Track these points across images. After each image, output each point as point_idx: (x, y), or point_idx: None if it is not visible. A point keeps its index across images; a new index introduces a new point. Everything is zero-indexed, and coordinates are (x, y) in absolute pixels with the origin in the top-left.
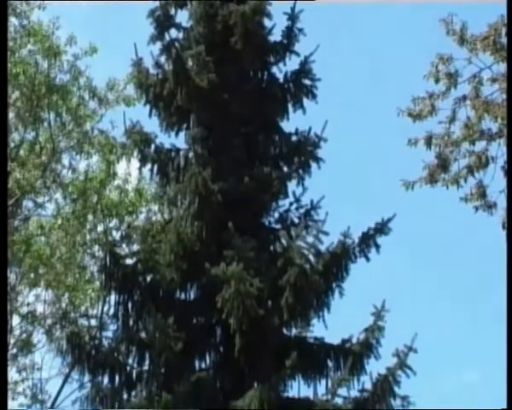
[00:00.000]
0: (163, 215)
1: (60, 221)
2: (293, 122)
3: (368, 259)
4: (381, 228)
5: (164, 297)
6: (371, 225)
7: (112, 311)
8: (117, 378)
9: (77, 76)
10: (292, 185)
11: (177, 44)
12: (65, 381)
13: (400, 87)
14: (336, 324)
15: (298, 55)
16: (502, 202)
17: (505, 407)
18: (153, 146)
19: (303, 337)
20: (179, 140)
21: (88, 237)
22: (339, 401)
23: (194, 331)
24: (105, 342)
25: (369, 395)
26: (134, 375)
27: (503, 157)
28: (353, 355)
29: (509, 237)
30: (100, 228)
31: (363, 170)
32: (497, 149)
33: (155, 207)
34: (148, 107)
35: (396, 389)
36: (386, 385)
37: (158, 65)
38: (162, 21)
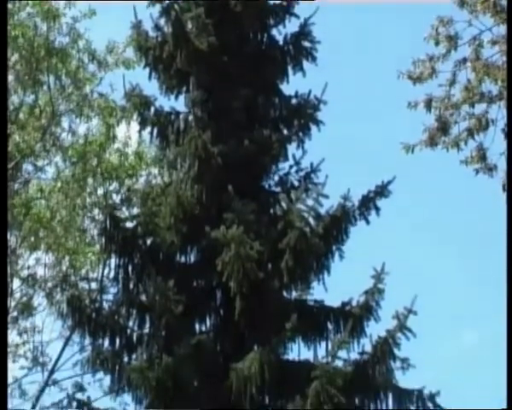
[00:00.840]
0: (163, 178)
1: (59, 184)
2: (293, 85)
3: (368, 222)
4: (381, 191)
5: (164, 260)
6: (371, 187)
7: (112, 274)
8: (117, 341)
9: (76, 39)
10: (292, 148)
11: (176, 7)
12: (65, 344)
13: (400, 50)
14: (336, 286)
15: (297, 17)
16: (502, 165)
17: (505, 407)
18: (152, 109)
19: (303, 300)
20: (179, 103)
21: (88, 200)
22: (339, 363)
23: (194, 294)
24: (105, 305)
25: (369, 357)
26: (134, 338)
27: (504, 120)
28: (353, 318)
29: (508, 218)
30: (100, 191)
31: (363, 133)
32: (498, 112)
33: (155, 171)
34: (147, 70)
35: (396, 351)
36: (385, 347)
37: (157, 27)
38: None
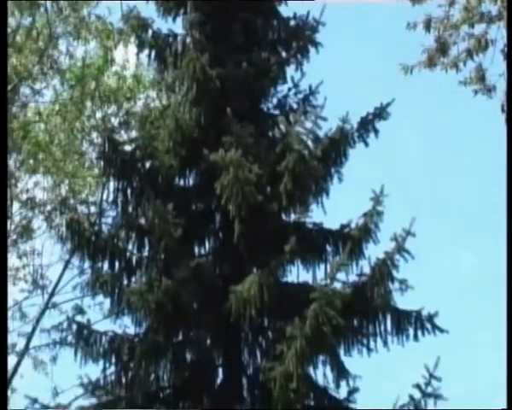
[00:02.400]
0: (161, 101)
1: (58, 108)
2: (292, 7)
3: (366, 144)
4: (380, 113)
5: (163, 184)
6: (370, 110)
7: (111, 198)
8: (117, 264)
9: None
10: (290, 70)
11: None
12: (65, 267)
13: None
14: (335, 209)
15: None
16: (501, 86)
17: (505, 407)
18: (150, 31)
19: (302, 223)
20: (177, 25)
21: (86, 123)
22: (337, 285)
23: (193, 217)
24: (104, 229)
25: (368, 278)
26: (134, 261)
27: (503, 40)
28: (352, 240)
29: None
30: (98, 115)
31: (361, 54)
32: (497, 32)
33: (153, 94)
34: None
35: (394, 272)
36: (384, 269)
37: None
38: None
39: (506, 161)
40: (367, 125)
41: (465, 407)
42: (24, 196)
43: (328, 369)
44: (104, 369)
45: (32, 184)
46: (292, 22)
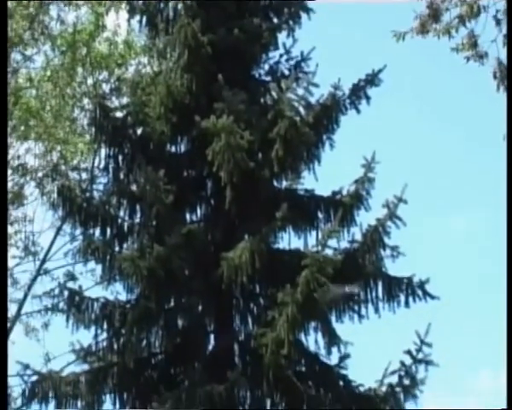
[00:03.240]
0: (152, 68)
1: (49, 74)
2: None
3: (358, 111)
4: (372, 79)
5: (154, 150)
6: (362, 76)
7: (102, 164)
8: (108, 231)
9: None
10: (282, 37)
11: None
12: (57, 234)
13: None
14: (327, 176)
15: None
16: (493, 52)
17: (505, 407)
18: None
19: (293, 189)
20: None
21: (77, 89)
22: (329, 252)
23: (184, 184)
24: (96, 195)
25: (359, 245)
26: (125, 227)
27: (495, 6)
28: (343, 207)
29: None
30: (89, 81)
31: (353, 20)
32: None
33: (145, 60)
34: None
35: (385, 239)
36: (375, 236)
37: None
38: None
39: (506, 162)
40: (359, 91)
41: (456, 374)
42: (15, 163)
43: (319, 335)
44: (96, 335)
45: (23, 151)
46: None
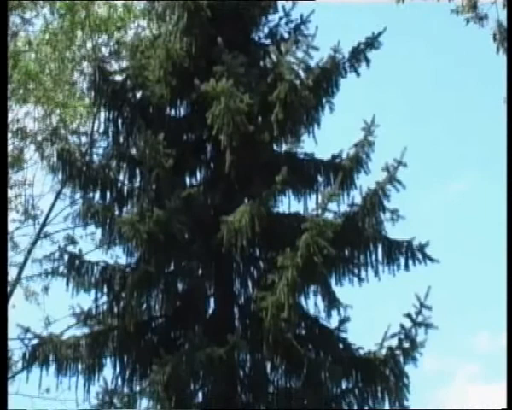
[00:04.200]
0: (152, 31)
1: (48, 37)
2: None
3: (358, 74)
4: (372, 42)
5: (154, 114)
6: (361, 39)
7: (102, 128)
8: (108, 195)
9: None
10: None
11: None
12: (56, 197)
13: None
14: (326, 139)
15: None
16: (492, 14)
17: (505, 407)
18: None
19: (293, 153)
20: None
21: (77, 53)
22: (329, 215)
23: (184, 148)
24: (96, 159)
25: (359, 209)
26: (125, 191)
27: None
28: (343, 170)
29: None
30: (89, 44)
31: None
32: None
33: (144, 23)
34: None
35: (385, 202)
36: (375, 199)
37: None
38: None
39: (506, 161)
40: (358, 54)
41: (455, 336)
42: (15, 127)
43: (319, 299)
44: (96, 299)
45: (22, 114)
46: None
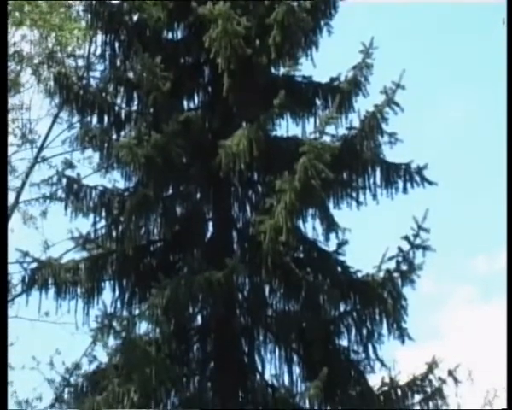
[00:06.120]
0: None
1: None
2: None
3: None
4: None
5: (151, 37)
6: None
7: (99, 51)
8: (105, 118)
9: None
10: None
11: None
12: (54, 121)
13: None
14: (324, 62)
15: None
16: None
17: (505, 407)
18: None
19: (291, 76)
20: None
21: None
22: (327, 138)
23: (181, 71)
24: (93, 83)
25: (357, 132)
26: (123, 115)
27: None
28: (341, 93)
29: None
30: None
31: None
32: None
33: None
34: None
35: (383, 125)
36: (373, 122)
37: None
38: None
39: (506, 160)
40: None
41: (453, 259)
42: (11, 50)
43: (317, 222)
44: (94, 223)
45: (18, 37)
46: None
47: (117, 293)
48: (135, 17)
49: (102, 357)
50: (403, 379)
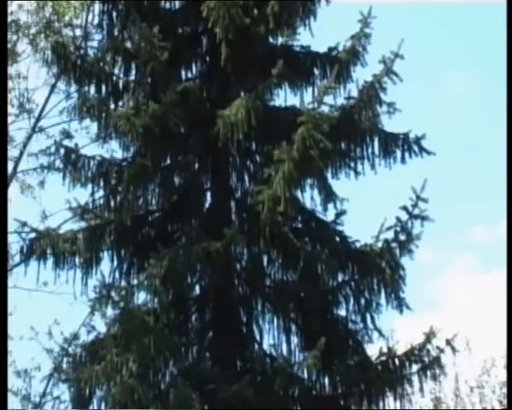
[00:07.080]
0: None
1: None
2: None
3: None
4: None
5: (148, 6)
6: None
7: (96, 20)
8: (103, 88)
9: None
10: None
11: None
12: (51, 91)
13: None
14: (323, 32)
15: None
16: None
17: (506, 407)
18: None
19: (289, 46)
20: None
21: None
22: (325, 108)
23: (179, 41)
24: (90, 52)
25: (356, 102)
26: (120, 85)
27: None
28: (339, 63)
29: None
30: None
31: None
32: None
33: None
34: None
35: (382, 95)
36: (372, 92)
37: None
38: None
39: (506, 161)
40: None
41: (451, 229)
42: (8, 19)
43: (315, 192)
44: (92, 193)
45: (15, 7)
46: None
47: (115, 263)
48: None
49: (101, 327)
50: (401, 349)
